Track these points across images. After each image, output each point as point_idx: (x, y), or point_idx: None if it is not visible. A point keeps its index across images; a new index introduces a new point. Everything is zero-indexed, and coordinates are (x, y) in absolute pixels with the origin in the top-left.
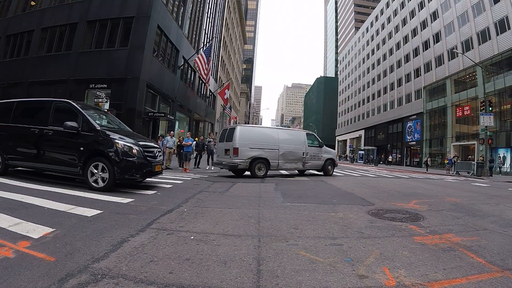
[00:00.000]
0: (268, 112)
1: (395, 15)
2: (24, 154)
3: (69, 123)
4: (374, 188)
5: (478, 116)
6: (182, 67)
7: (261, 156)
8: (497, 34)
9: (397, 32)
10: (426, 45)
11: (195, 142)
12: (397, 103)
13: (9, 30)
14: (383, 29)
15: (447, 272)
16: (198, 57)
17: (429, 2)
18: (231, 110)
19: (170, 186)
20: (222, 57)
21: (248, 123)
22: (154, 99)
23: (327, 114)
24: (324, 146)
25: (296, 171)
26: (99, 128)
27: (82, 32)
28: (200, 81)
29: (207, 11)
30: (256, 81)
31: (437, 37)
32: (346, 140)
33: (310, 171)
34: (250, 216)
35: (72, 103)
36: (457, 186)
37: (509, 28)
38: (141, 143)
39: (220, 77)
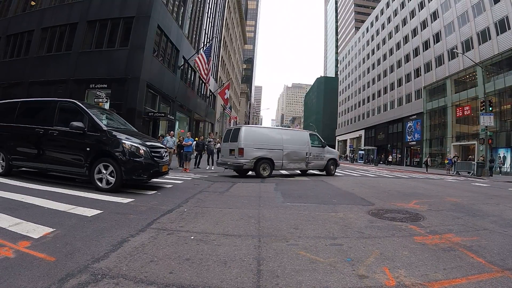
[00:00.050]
0: (268, 112)
1: (395, 15)
2: (29, 154)
3: (75, 123)
4: (374, 188)
5: (478, 116)
6: (182, 67)
7: (266, 156)
8: (497, 34)
9: (397, 32)
10: (426, 45)
11: (195, 142)
12: (397, 103)
13: (9, 30)
14: (383, 29)
15: (447, 272)
16: (198, 57)
17: (429, 2)
18: (231, 110)
19: (170, 186)
20: (222, 57)
21: (248, 123)
22: (154, 99)
23: (327, 114)
24: (327, 146)
25: (298, 171)
26: (105, 128)
27: (82, 32)
28: (200, 81)
29: (207, 11)
30: (256, 81)
31: (437, 37)
32: (346, 140)
33: (311, 171)
34: (250, 216)
35: (78, 103)
36: (457, 186)
37: (509, 28)
38: (148, 143)
39: (220, 77)
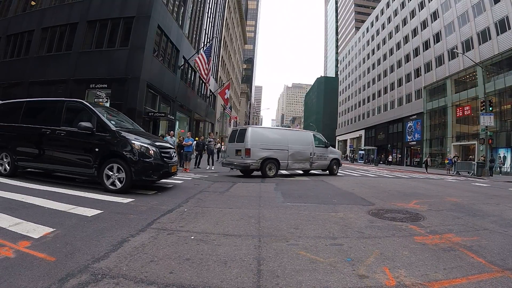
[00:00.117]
0: (269, 112)
1: (396, 15)
2: (35, 155)
3: (84, 124)
4: (374, 188)
5: (479, 116)
6: (182, 67)
7: (272, 157)
8: (498, 34)
9: (397, 32)
10: (426, 45)
11: (195, 142)
12: (397, 103)
13: (10, 30)
14: (383, 29)
15: (447, 272)
16: (199, 57)
17: (429, 2)
18: (231, 110)
19: (171, 186)
20: (222, 57)
21: (249, 123)
22: (154, 99)
23: (328, 114)
24: (330, 146)
25: (298, 171)
26: (114, 129)
27: (83, 32)
28: (201, 81)
29: (207, 11)
30: (257, 81)
31: (437, 37)
32: (346, 140)
33: (312, 170)
34: (251, 216)
35: (86, 103)
36: (457, 186)
37: (509, 28)
38: (157, 143)
39: (220, 77)
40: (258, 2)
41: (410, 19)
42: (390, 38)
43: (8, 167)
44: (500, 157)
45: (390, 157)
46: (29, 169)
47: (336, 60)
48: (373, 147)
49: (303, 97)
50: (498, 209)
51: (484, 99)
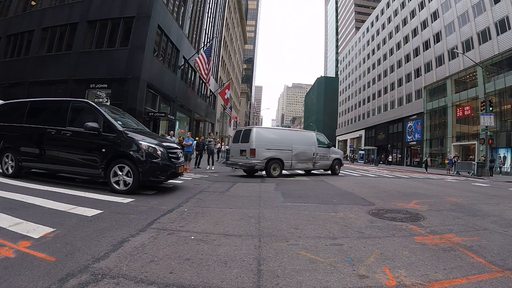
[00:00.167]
0: (269, 112)
1: (396, 15)
2: (40, 155)
3: (90, 124)
4: (374, 188)
5: (479, 116)
6: (182, 67)
7: (276, 157)
8: (498, 34)
9: (397, 32)
10: (426, 45)
11: (195, 142)
12: (397, 103)
13: (10, 30)
14: (383, 29)
15: (447, 272)
16: (199, 57)
17: (429, 2)
18: (231, 110)
19: (171, 186)
20: (222, 57)
21: (249, 123)
22: (154, 99)
23: (328, 114)
24: (332, 146)
25: (299, 171)
26: (121, 129)
27: (83, 32)
28: (201, 81)
29: (207, 11)
30: (257, 81)
31: (437, 37)
32: (346, 140)
33: (313, 171)
34: (251, 216)
35: (92, 103)
36: (457, 186)
37: (509, 28)
38: (164, 144)
39: (220, 77)
40: (258, 2)
41: (410, 19)
42: (390, 38)
43: (12, 168)
44: (500, 157)
45: (390, 157)
46: (33, 170)
47: (336, 60)
48: (373, 147)
49: (303, 97)
50: (498, 209)
51: (484, 99)
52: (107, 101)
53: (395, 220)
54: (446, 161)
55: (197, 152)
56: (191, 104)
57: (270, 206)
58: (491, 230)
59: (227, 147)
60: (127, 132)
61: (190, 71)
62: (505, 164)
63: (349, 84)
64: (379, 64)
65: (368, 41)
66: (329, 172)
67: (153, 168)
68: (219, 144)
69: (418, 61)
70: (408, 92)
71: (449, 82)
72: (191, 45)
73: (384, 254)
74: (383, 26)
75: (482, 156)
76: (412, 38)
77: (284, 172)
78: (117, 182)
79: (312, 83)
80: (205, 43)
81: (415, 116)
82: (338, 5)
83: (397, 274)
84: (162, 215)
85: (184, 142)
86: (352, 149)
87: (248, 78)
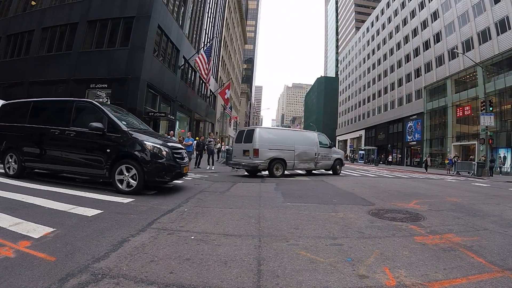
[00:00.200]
0: (269, 112)
1: (396, 15)
2: (43, 156)
3: (95, 124)
4: (374, 188)
5: (479, 116)
6: (182, 67)
7: (279, 157)
8: (498, 34)
9: (397, 32)
10: (426, 45)
11: (195, 142)
12: (397, 103)
13: (10, 30)
14: (383, 29)
15: (447, 272)
16: (199, 57)
17: (429, 2)
18: (231, 110)
19: (171, 185)
20: (222, 57)
21: (249, 123)
22: (154, 99)
23: (328, 114)
24: (333, 146)
25: (299, 171)
26: (125, 129)
27: (83, 32)
28: (201, 81)
29: (207, 11)
30: (257, 81)
31: (437, 37)
32: (346, 140)
33: (315, 170)
34: (251, 216)
35: (96, 103)
36: (457, 186)
37: (509, 28)
38: (169, 144)
39: (220, 77)
40: (258, 2)
41: (410, 19)
42: (390, 38)
43: (15, 168)
44: (500, 157)
45: (390, 157)
46: (35, 170)
47: (336, 60)
48: (373, 147)
49: (303, 97)
50: (498, 209)
51: (484, 99)
52: (107, 101)
53: (395, 220)
54: (446, 161)
55: (197, 152)
56: (191, 104)
57: (270, 206)
58: (491, 230)
59: (227, 147)
60: (132, 132)
61: (190, 71)
62: (505, 164)
63: (349, 84)
64: (379, 64)
65: (368, 41)
66: (330, 172)
67: (158, 168)
68: (219, 144)
69: (418, 61)
70: (408, 92)
71: (449, 82)
72: (191, 45)
73: (384, 254)
74: (383, 26)
75: (482, 156)
76: (412, 38)
77: (285, 172)
78: (122, 183)
79: (312, 83)
80: (205, 43)
81: (415, 116)
82: (338, 5)
83: (397, 274)
84: (162, 215)
85: (184, 142)
86: (352, 149)
87: (248, 78)
